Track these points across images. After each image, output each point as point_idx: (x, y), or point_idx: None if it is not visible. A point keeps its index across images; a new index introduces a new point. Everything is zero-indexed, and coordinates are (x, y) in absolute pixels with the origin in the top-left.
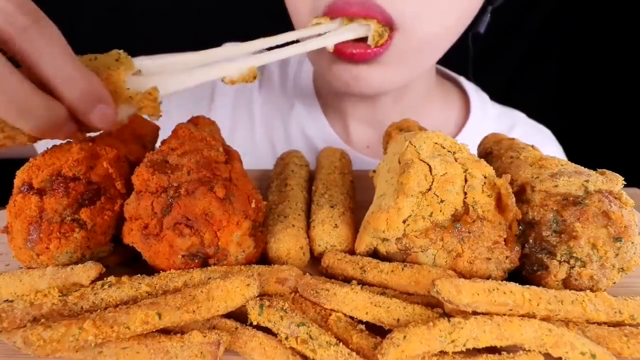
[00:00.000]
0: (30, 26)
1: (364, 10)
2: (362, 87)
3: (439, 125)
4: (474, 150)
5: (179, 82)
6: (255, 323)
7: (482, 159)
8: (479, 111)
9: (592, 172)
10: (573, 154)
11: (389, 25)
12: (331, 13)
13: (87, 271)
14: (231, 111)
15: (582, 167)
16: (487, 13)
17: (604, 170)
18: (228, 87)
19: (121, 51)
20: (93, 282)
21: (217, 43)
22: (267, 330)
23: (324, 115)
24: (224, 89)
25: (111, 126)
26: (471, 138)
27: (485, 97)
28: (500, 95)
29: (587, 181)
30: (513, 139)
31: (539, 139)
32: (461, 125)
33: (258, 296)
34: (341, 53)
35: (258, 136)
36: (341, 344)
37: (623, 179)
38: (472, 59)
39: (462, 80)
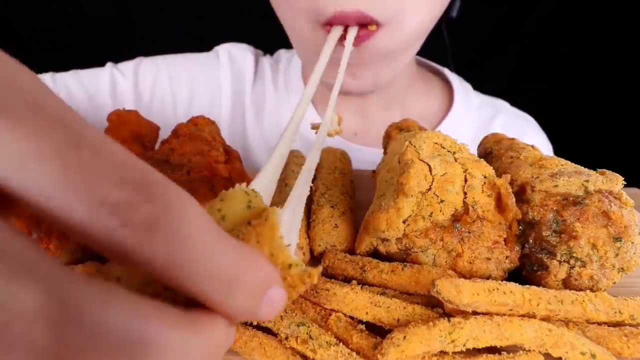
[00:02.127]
0: (161, 219)
1: (359, 20)
2: (360, 84)
3: (421, 114)
4: (460, 137)
5: (303, 191)
6: (255, 323)
7: (482, 159)
8: (462, 100)
9: (592, 172)
10: (573, 154)
11: (374, 24)
12: (331, 22)
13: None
14: (230, 112)
15: (582, 167)
16: None
17: (604, 170)
18: (226, 88)
19: (243, 185)
20: None
21: (216, 40)
22: (267, 330)
23: (314, 108)
24: (222, 91)
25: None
26: (454, 126)
27: (468, 87)
28: (503, 92)
29: (587, 181)
30: (513, 138)
31: (522, 127)
32: (444, 113)
33: None
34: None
35: (250, 135)
36: (341, 344)
37: (623, 179)
38: (450, 46)
39: (446, 71)
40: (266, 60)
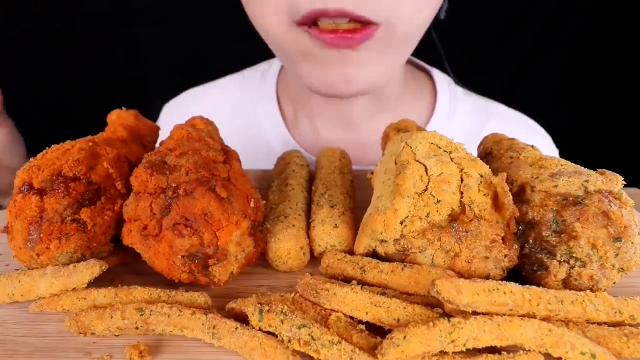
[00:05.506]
0: None
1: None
2: (352, 88)
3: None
4: None
5: None
6: (257, 329)
7: (478, 158)
8: (446, 107)
9: (592, 172)
10: (573, 154)
11: (367, 23)
12: (307, 20)
13: (90, 268)
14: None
15: (582, 167)
16: None
17: (604, 170)
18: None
19: None
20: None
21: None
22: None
23: (285, 127)
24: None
25: None
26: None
27: (457, 90)
28: (502, 93)
29: (587, 181)
30: (513, 139)
31: (514, 129)
32: (427, 120)
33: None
34: (332, 43)
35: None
36: (343, 341)
37: (623, 179)
38: (444, 51)
39: (434, 72)
40: (250, 73)
